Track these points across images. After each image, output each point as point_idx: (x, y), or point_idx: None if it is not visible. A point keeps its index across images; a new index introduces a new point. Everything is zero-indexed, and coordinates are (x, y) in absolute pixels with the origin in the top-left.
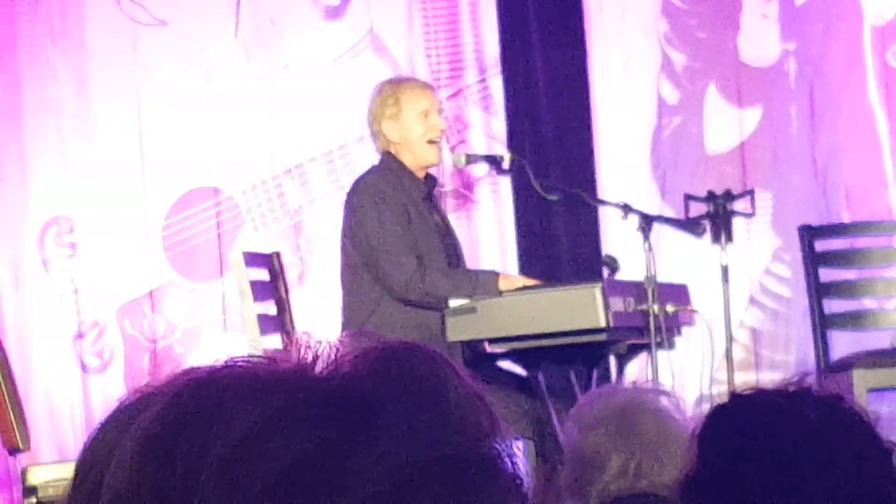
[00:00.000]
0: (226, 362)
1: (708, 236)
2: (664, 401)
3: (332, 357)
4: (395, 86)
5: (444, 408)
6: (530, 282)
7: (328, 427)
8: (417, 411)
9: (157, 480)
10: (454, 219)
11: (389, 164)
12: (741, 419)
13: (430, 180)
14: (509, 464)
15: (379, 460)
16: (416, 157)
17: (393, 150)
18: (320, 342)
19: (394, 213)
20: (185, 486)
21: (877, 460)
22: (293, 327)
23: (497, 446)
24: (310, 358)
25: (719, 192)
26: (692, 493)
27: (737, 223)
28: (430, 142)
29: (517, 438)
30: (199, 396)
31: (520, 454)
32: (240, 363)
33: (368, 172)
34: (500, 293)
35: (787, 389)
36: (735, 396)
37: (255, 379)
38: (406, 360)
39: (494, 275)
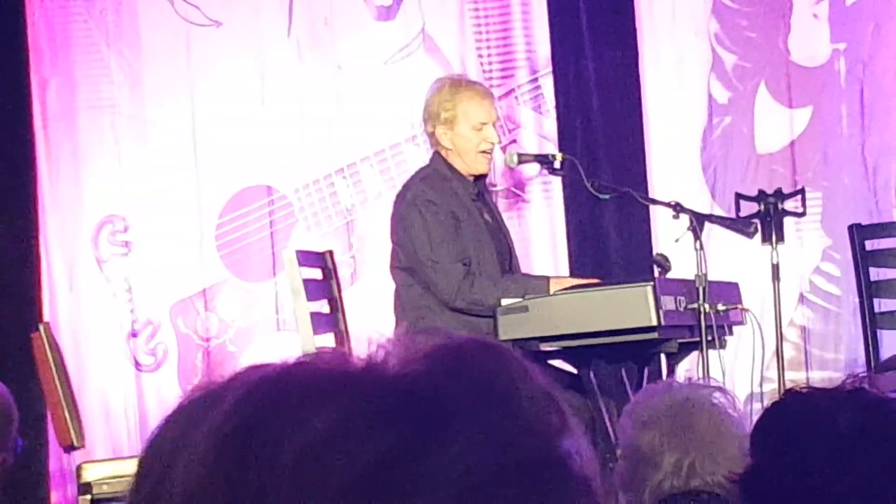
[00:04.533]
0: (297, 360)
1: (758, 235)
2: (719, 398)
3: (403, 355)
4: (455, 90)
5: (516, 407)
6: (584, 282)
7: (402, 429)
8: (490, 412)
9: (230, 478)
10: (506, 218)
11: (438, 167)
12: (797, 417)
13: (480, 180)
14: (579, 463)
15: (452, 463)
16: (466, 166)
17: (444, 153)
18: (389, 340)
19: (440, 221)
20: (259, 486)
21: None
22: (346, 326)
23: (567, 446)
24: (381, 356)
25: (770, 191)
26: (748, 489)
27: (787, 222)
28: (482, 152)
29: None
30: (273, 395)
31: (590, 452)
32: (310, 361)
33: (416, 177)
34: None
35: (844, 389)
36: (791, 394)
37: (327, 378)
38: (477, 358)
39: (545, 280)
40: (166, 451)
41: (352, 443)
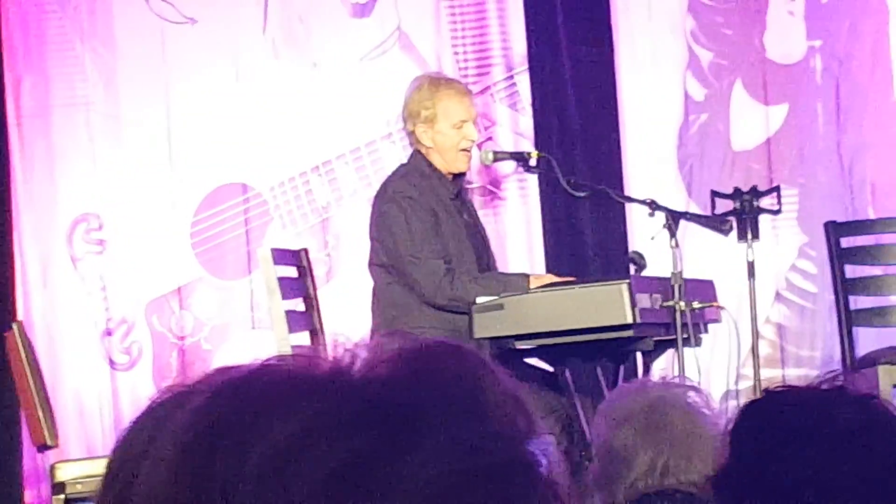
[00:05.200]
0: (262, 363)
1: (734, 233)
2: (693, 396)
3: (370, 359)
4: (435, 88)
5: (483, 411)
6: (562, 279)
7: (367, 436)
8: (456, 417)
9: (194, 483)
10: (482, 216)
11: (418, 165)
12: (774, 416)
13: (459, 179)
14: (546, 466)
15: (419, 470)
16: (446, 164)
17: (424, 151)
18: (356, 343)
19: (421, 218)
20: (224, 493)
21: None
22: (321, 324)
23: (534, 450)
24: (346, 360)
25: (745, 188)
26: (723, 488)
27: (763, 220)
28: (462, 150)
29: (550, 434)
30: (238, 399)
31: (556, 454)
32: (276, 364)
33: (396, 175)
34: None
35: (821, 387)
36: (768, 393)
37: (292, 383)
38: (444, 362)
39: (524, 277)
40: (133, 455)
41: (316, 450)
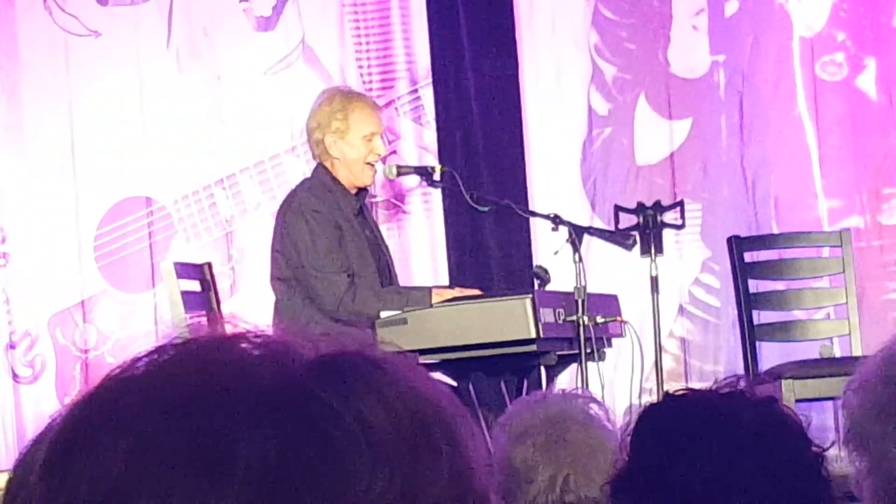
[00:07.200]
0: (132, 360)
1: (638, 247)
2: (594, 409)
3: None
4: (347, 101)
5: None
6: (465, 293)
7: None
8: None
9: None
10: (385, 230)
11: (322, 179)
12: (675, 418)
13: (362, 195)
14: (478, 477)
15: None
16: (351, 176)
17: (328, 164)
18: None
19: (325, 231)
20: None
21: (809, 463)
22: None
23: (461, 463)
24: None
25: (649, 203)
26: (622, 489)
27: (666, 234)
28: (368, 163)
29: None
30: (80, 423)
31: (483, 460)
32: (142, 365)
33: (301, 188)
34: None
35: (721, 391)
36: (668, 396)
37: (123, 406)
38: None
39: (427, 291)
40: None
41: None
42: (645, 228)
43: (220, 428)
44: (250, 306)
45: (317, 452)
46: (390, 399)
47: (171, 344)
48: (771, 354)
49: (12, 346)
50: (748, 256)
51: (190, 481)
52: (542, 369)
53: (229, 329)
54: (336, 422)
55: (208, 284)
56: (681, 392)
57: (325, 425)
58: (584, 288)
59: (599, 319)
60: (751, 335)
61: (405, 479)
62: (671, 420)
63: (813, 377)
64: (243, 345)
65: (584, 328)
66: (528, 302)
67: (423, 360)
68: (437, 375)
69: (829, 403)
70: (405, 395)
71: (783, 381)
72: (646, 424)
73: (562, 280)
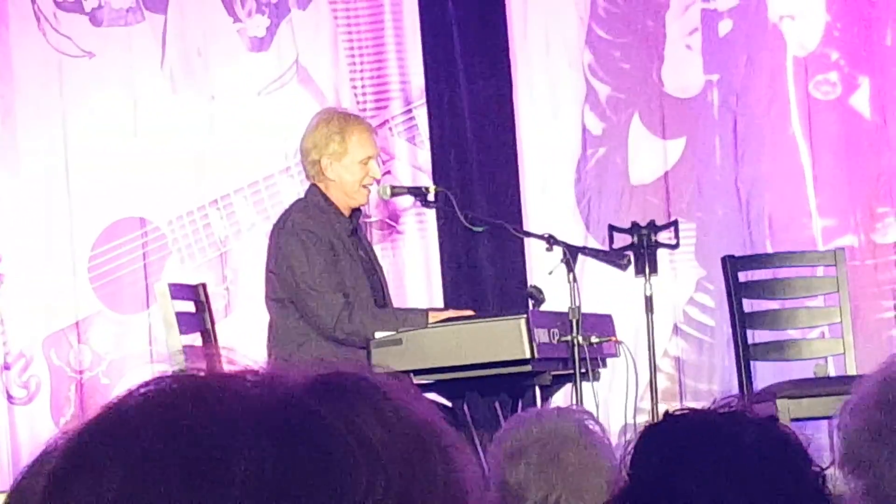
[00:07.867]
0: (129, 390)
1: (632, 267)
2: (588, 427)
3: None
4: (344, 123)
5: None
6: (461, 314)
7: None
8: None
9: None
10: (380, 250)
11: (316, 200)
12: (676, 438)
13: (356, 215)
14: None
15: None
16: (346, 198)
17: (322, 185)
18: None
19: (320, 252)
20: None
21: (811, 482)
22: None
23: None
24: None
25: (643, 222)
26: None
27: (661, 254)
28: (363, 185)
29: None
30: (79, 451)
31: (477, 477)
32: (137, 397)
33: (295, 208)
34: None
35: (720, 411)
36: (669, 416)
37: (116, 435)
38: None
39: (424, 313)
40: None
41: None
42: (639, 248)
43: (217, 441)
44: (245, 327)
45: (314, 464)
46: (387, 415)
47: (169, 375)
48: (765, 373)
49: (7, 367)
50: (742, 276)
51: (188, 493)
52: (537, 389)
53: (225, 360)
54: (333, 435)
55: (203, 305)
56: (681, 412)
57: (322, 438)
58: (579, 308)
59: (594, 339)
60: (745, 354)
61: (401, 492)
62: (672, 440)
63: (808, 396)
64: (242, 376)
65: (579, 348)
66: (522, 322)
67: (417, 380)
68: (432, 396)
69: (824, 423)
70: (401, 413)
71: (778, 401)
72: (646, 444)
73: (556, 300)
